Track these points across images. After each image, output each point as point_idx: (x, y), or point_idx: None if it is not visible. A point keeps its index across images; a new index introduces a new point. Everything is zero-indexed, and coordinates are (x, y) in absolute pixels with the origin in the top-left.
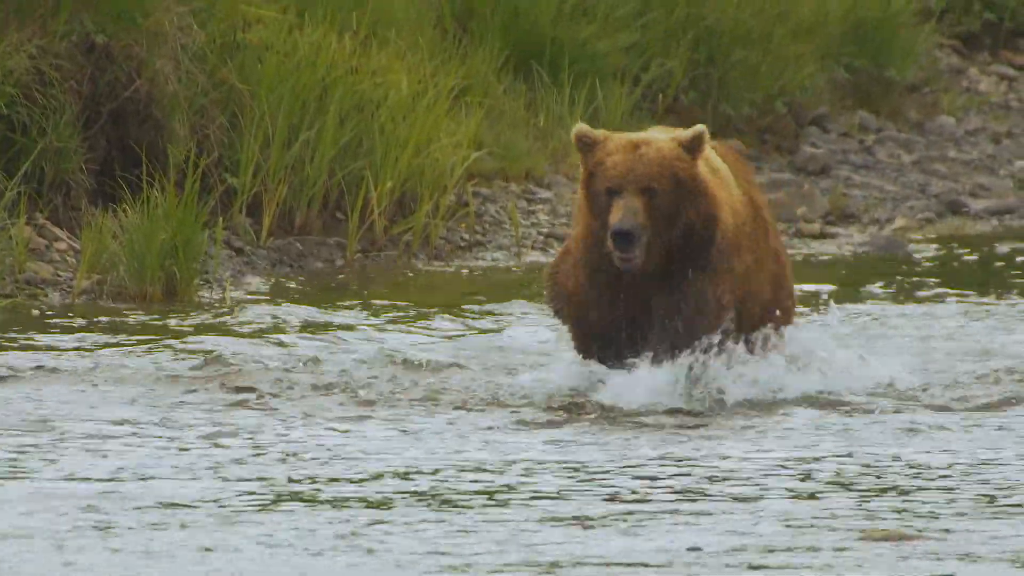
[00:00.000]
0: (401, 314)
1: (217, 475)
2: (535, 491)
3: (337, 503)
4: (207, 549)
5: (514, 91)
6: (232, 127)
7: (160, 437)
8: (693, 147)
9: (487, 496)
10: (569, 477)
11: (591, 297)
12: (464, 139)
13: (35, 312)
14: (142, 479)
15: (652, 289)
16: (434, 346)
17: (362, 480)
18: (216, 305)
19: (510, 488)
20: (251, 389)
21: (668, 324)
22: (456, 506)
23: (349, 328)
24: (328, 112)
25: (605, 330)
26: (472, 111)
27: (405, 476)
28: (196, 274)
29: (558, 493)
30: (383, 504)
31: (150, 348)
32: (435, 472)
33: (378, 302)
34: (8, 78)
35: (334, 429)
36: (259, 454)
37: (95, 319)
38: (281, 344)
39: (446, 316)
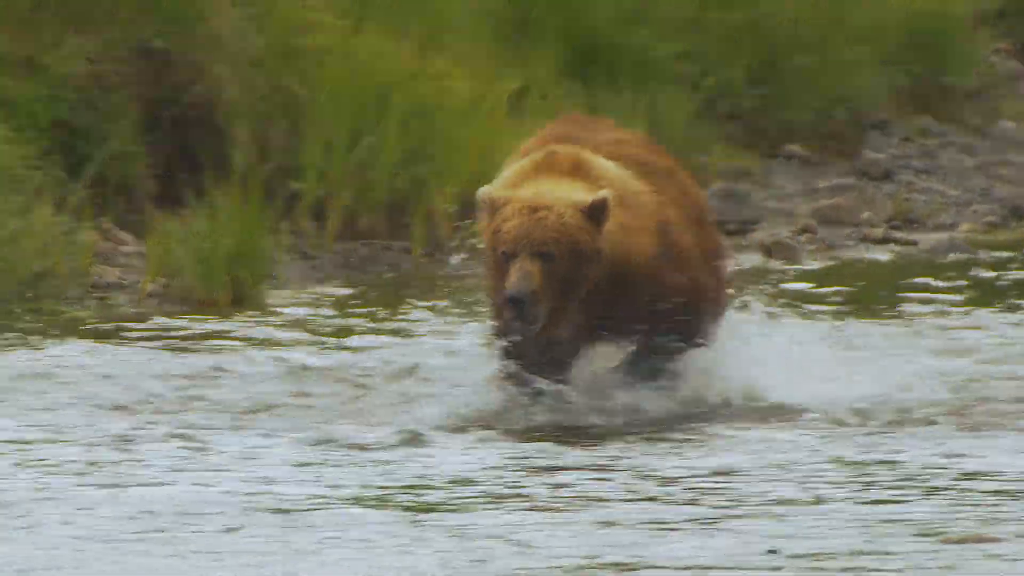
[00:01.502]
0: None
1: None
2: (609, 494)
3: (443, 505)
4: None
5: (573, 95)
6: (293, 132)
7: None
8: (596, 214)
9: (574, 497)
10: (644, 481)
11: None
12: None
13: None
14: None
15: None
16: None
17: (463, 483)
18: (283, 309)
19: (577, 490)
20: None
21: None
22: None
23: (417, 333)
24: (389, 117)
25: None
26: (532, 114)
27: (491, 479)
28: (263, 278)
29: (633, 496)
30: (471, 507)
31: (231, 351)
32: (514, 471)
33: (441, 303)
34: (67, 83)
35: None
36: (358, 463)
37: (173, 322)
38: (348, 348)
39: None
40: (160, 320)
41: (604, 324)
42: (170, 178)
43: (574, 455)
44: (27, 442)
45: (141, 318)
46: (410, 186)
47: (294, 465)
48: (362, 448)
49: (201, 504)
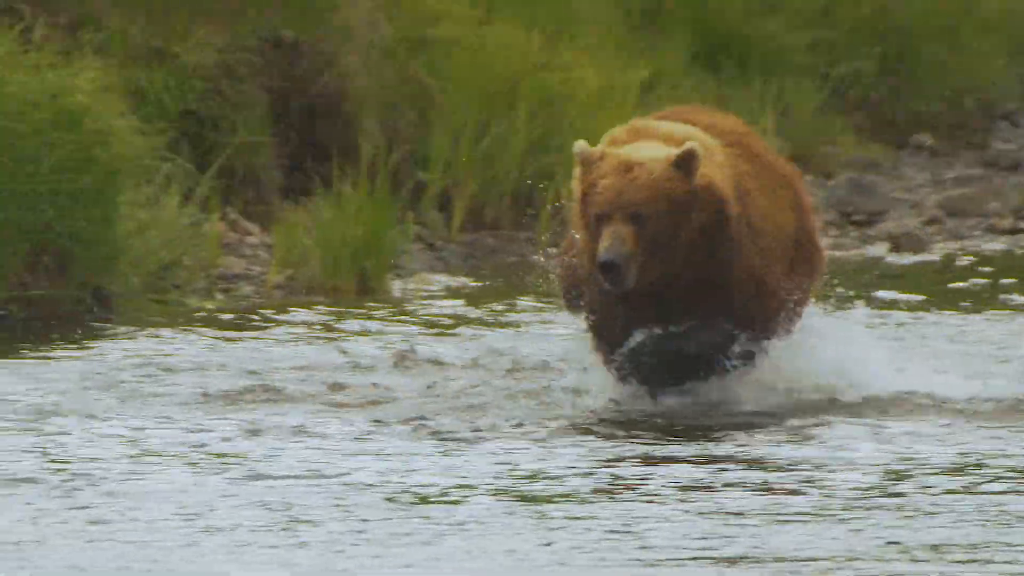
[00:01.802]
0: None
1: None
2: (726, 483)
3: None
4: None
5: (702, 86)
6: (422, 122)
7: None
8: (686, 165)
9: (688, 488)
10: (759, 472)
11: (605, 313)
12: None
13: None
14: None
15: (669, 301)
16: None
17: (580, 474)
18: (409, 299)
19: (697, 482)
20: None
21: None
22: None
23: (538, 324)
24: (518, 107)
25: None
26: (661, 105)
27: (606, 471)
28: (388, 269)
29: (748, 487)
30: (586, 498)
31: (355, 341)
32: (630, 466)
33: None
34: (196, 72)
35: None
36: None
37: (309, 311)
38: (471, 338)
39: None
40: (286, 311)
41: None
42: (297, 168)
43: (686, 447)
44: (149, 434)
45: (267, 309)
46: (537, 176)
47: (411, 455)
48: (479, 439)
49: (322, 494)
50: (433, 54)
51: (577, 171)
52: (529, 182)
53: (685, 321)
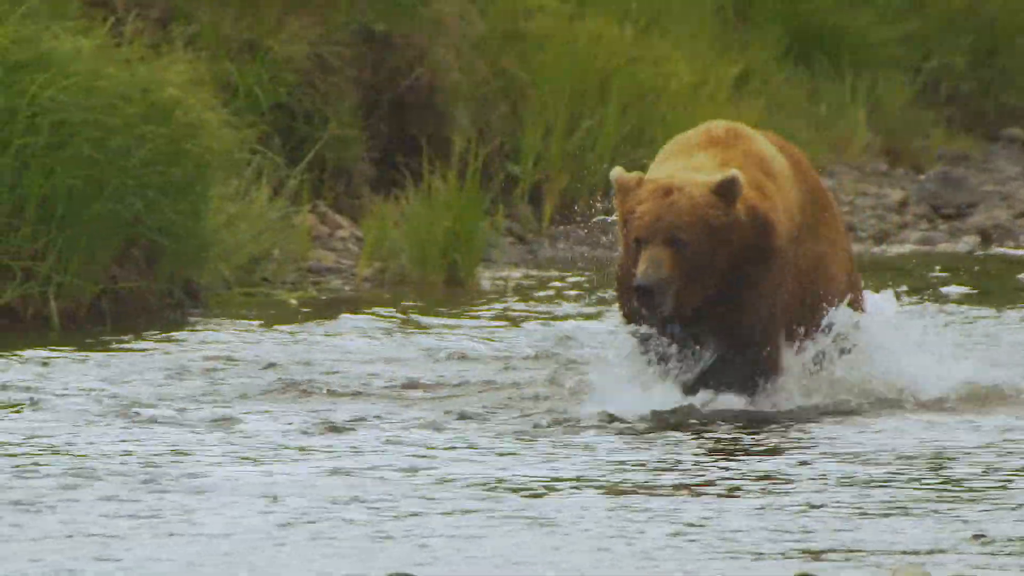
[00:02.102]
0: None
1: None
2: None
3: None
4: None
5: (794, 80)
6: (513, 116)
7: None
8: (726, 192)
9: (773, 482)
10: (843, 465)
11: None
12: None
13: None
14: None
15: (705, 317)
16: None
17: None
18: (498, 292)
19: (778, 475)
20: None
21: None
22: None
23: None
24: (609, 101)
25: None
26: (753, 100)
27: (685, 465)
28: (478, 261)
29: (832, 480)
30: (671, 492)
31: (444, 334)
32: (713, 457)
33: None
34: (288, 65)
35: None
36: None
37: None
38: (561, 332)
39: None
40: (374, 304)
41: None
42: (388, 162)
43: (764, 440)
44: (234, 426)
45: (356, 302)
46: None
47: (491, 448)
48: (564, 431)
49: (402, 487)
50: (525, 48)
51: (616, 197)
52: None
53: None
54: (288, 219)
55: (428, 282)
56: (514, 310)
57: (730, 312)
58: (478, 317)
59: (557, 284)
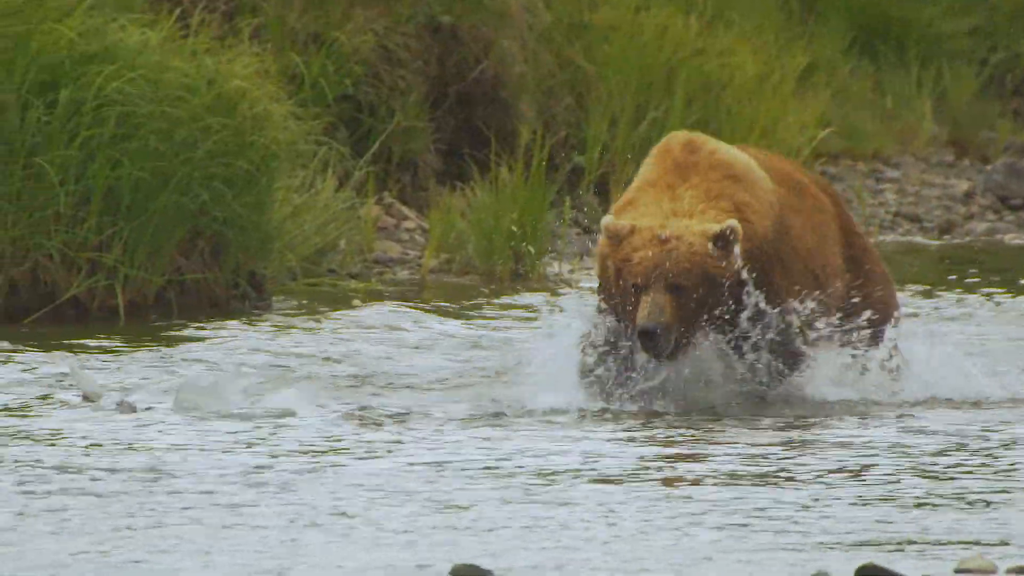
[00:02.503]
0: None
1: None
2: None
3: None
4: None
5: (860, 71)
6: (578, 107)
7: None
8: (724, 243)
9: (837, 473)
10: (908, 458)
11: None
12: (810, 119)
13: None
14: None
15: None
16: None
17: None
18: (564, 283)
19: (843, 467)
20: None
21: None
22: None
23: None
24: (675, 93)
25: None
26: (818, 91)
27: (749, 455)
28: (544, 252)
29: (898, 472)
30: (737, 482)
31: (511, 326)
32: (777, 447)
33: None
34: (354, 57)
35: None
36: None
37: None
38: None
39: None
40: (441, 295)
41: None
42: (454, 153)
43: (832, 432)
44: (298, 419)
45: (422, 293)
46: None
47: (553, 439)
48: (626, 422)
49: (461, 479)
50: (591, 39)
51: (604, 243)
52: None
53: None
54: (354, 210)
55: (494, 273)
56: (580, 300)
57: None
58: (546, 306)
59: None
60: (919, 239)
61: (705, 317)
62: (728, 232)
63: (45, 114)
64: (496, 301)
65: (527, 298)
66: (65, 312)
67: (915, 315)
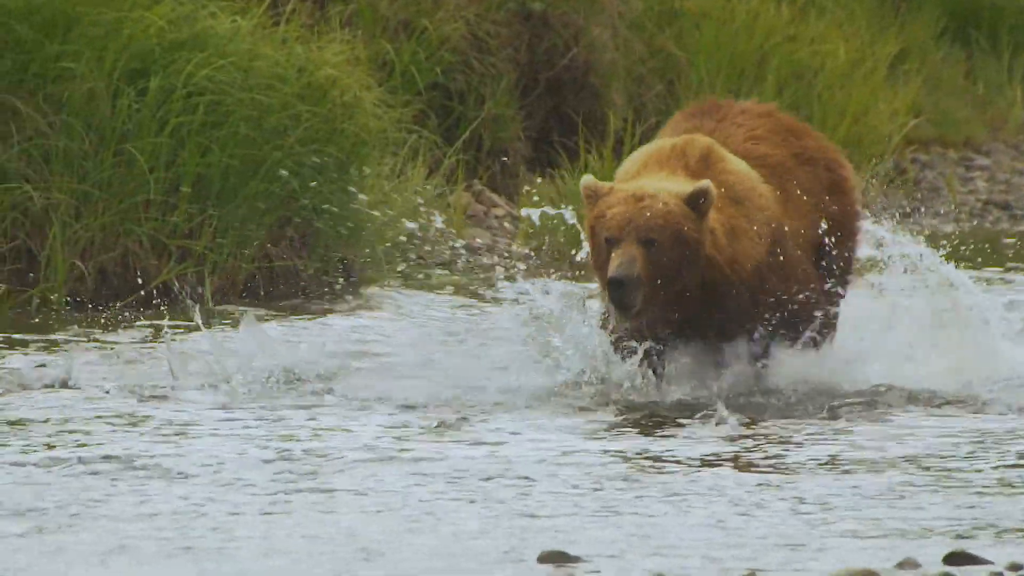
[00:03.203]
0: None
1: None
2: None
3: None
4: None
5: (952, 58)
6: (669, 94)
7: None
8: (697, 204)
9: (907, 462)
10: (996, 446)
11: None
12: (901, 106)
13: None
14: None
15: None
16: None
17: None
18: None
19: (934, 454)
20: None
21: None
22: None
23: None
24: (766, 80)
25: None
26: (909, 79)
27: (825, 444)
28: None
29: (975, 457)
30: (804, 471)
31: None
32: (836, 437)
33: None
34: (445, 44)
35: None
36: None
37: None
38: None
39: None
40: (528, 283)
41: (699, 326)
42: (543, 141)
43: (906, 419)
44: (383, 406)
45: (511, 280)
46: None
47: (625, 428)
48: (692, 410)
49: (551, 467)
50: (682, 26)
51: (585, 204)
52: None
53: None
54: (443, 198)
55: (583, 262)
56: None
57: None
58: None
59: None
60: (1008, 227)
61: (673, 280)
62: (702, 193)
63: (136, 102)
64: (585, 287)
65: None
66: (153, 299)
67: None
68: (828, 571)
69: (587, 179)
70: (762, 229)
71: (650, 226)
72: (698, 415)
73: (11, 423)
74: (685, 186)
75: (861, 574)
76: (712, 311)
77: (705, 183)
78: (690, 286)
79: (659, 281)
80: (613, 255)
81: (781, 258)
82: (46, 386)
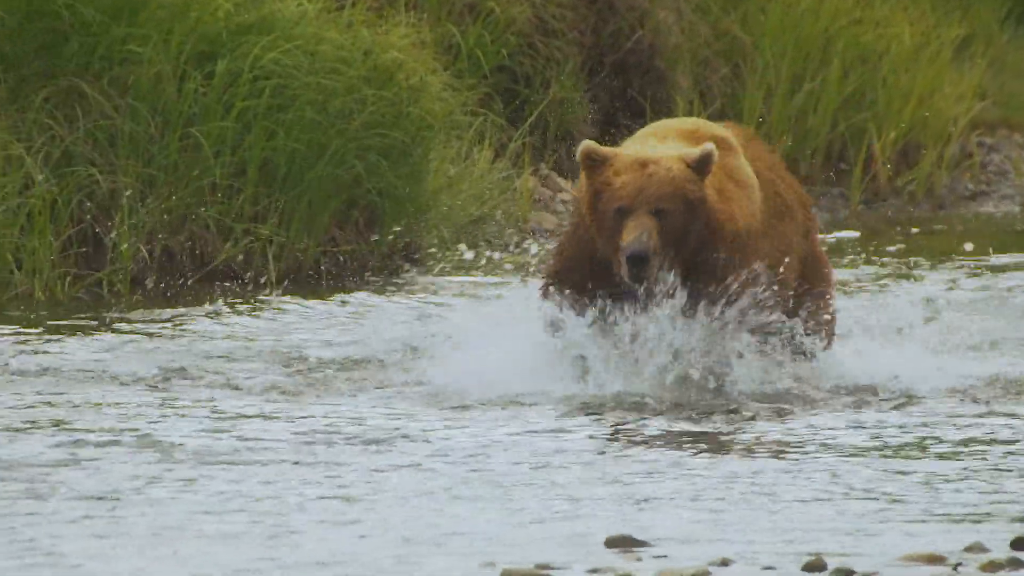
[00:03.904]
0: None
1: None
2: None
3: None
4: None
5: (1017, 41)
6: (734, 78)
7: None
8: (701, 167)
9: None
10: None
11: (576, 287)
12: (967, 90)
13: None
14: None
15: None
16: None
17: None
18: None
19: (978, 439)
20: None
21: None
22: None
23: (850, 285)
24: (831, 63)
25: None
26: (975, 62)
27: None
28: None
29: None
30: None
31: None
32: (907, 424)
33: (878, 257)
34: (511, 27)
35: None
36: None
37: None
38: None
39: (948, 267)
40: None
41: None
42: (609, 123)
43: (971, 407)
44: (444, 391)
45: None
46: (849, 133)
47: (693, 410)
48: (764, 397)
49: (616, 451)
50: (747, 9)
51: (584, 169)
52: (842, 137)
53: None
54: (509, 181)
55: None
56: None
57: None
58: None
59: None
60: None
61: (683, 246)
62: (707, 156)
63: (202, 85)
64: None
65: None
66: (218, 282)
67: None
68: (894, 555)
69: (588, 144)
70: (754, 204)
71: (661, 195)
72: (767, 399)
73: (75, 406)
74: (690, 151)
75: (928, 558)
76: (699, 271)
77: (709, 146)
78: (694, 246)
79: (671, 247)
80: (627, 227)
81: (775, 229)
82: (108, 375)
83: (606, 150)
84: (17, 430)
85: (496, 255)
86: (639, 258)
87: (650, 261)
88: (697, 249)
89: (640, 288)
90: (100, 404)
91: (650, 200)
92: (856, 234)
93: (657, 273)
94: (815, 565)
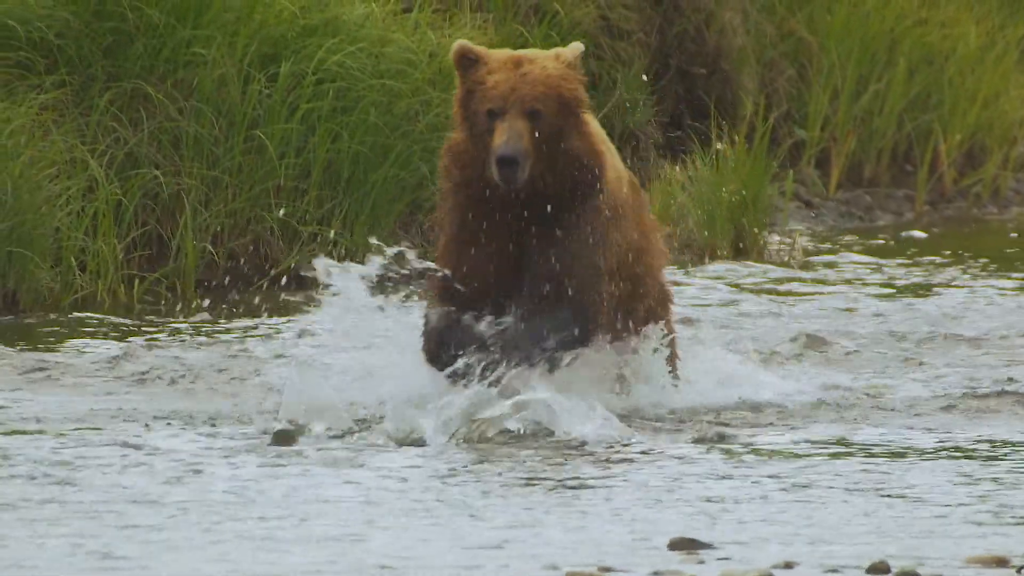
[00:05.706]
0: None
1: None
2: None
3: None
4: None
5: None
6: (800, 79)
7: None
8: (574, 64)
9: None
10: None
11: (463, 230)
12: None
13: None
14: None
15: (531, 233)
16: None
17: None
18: (782, 258)
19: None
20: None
21: (539, 285)
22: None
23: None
24: (897, 64)
25: (473, 289)
26: None
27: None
28: (764, 226)
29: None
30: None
31: (730, 300)
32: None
33: (938, 258)
34: (576, 28)
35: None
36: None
37: None
38: (855, 301)
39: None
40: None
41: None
42: (675, 126)
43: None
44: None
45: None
46: (915, 134)
47: (745, 413)
48: (816, 399)
49: (680, 453)
50: (813, 10)
51: (458, 69)
52: (908, 139)
53: (540, 245)
54: None
55: (715, 246)
56: (802, 279)
57: (562, 250)
58: (765, 281)
59: (846, 248)
60: None
61: (557, 150)
62: (579, 53)
63: (266, 87)
64: (718, 274)
65: (745, 272)
66: (283, 284)
67: None
68: (960, 557)
69: (461, 42)
70: (621, 172)
71: (534, 95)
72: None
73: (133, 409)
74: (562, 49)
75: (993, 560)
76: (574, 204)
77: (577, 45)
78: (570, 158)
79: (545, 150)
80: (498, 128)
81: (638, 210)
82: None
83: (480, 49)
84: (81, 430)
85: None
86: (505, 160)
87: (519, 162)
88: (573, 166)
89: (512, 189)
90: (162, 415)
91: (524, 100)
92: (923, 235)
93: (529, 172)
94: (879, 568)
